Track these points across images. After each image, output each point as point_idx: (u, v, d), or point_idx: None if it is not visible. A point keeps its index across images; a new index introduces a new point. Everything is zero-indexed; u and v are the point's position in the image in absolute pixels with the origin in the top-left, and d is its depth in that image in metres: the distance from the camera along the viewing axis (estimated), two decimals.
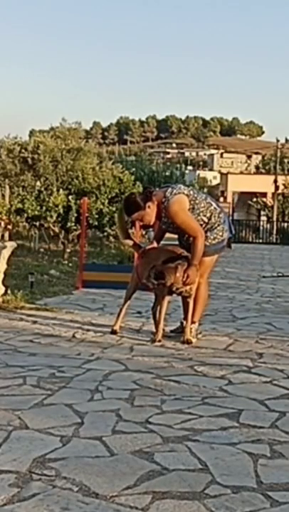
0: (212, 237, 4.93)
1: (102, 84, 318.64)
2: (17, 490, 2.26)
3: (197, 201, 4.87)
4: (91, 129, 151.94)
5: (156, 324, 4.96)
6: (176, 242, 5.18)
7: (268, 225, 29.92)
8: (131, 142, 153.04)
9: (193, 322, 4.97)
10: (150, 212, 4.84)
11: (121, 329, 5.22)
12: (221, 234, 4.98)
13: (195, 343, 4.91)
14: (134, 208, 4.87)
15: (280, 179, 37.17)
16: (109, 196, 14.61)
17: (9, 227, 12.86)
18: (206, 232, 4.88)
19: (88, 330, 5.29)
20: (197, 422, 3.06)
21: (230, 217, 20.45)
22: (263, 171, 57.97)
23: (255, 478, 2.43)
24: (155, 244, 5.17)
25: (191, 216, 4.83)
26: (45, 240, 15.23)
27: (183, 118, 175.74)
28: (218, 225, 4.96)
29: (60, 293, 7.49)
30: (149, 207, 4.81)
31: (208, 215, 4.91)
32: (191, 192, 4.91)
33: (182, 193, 4.81)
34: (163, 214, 4.86)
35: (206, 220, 4.90)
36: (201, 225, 4.86)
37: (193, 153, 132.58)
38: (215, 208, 4.97)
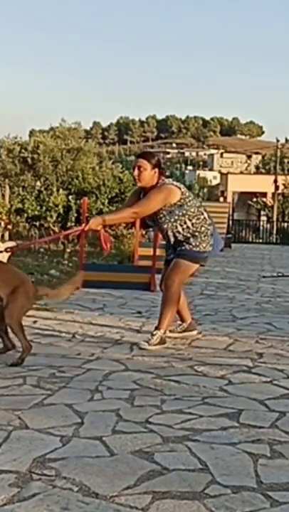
0: (194, 244, 4.79)
1: (102, 84, 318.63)
2: (17, 490, 2.26)
3: (189, 203, 4.78)
4: (91, 129, 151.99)
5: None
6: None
7: (268, 225, 29.92)
8: (131, 142, 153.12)
9: (157, 328, 4.75)
10: (152, 176, 4.76)
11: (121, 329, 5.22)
12: (204, 245, 4.81)
13: (195, 343, 4.92)
14: (155, 159, 4.84)
15: (280, 179, 37.19)
16: (109, 196, 14.62)
17: (9, 227, 12.87)
18: (189, 237, 4.79)
19: (88, 330, 5.29)
20: (197, 422, 3.06)
21: (230, 218, 20.42)
22: (263, 171, 57.99)
23: (255, 478, 2.43)
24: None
25: (160, 205, 4.68)
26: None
27: (183, 118, 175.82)
28: (204, 236, 4.82)
29: None
30: (155, 172, 4.77)
31: (193, 220, 4.77)
32: (187, 193, 4.84)
33: (178, 188, 4.79)
34: (143, 194, 4.84)
35: (189, 224, 4.76)
36: (182, 226, 4.76)
37: (193, 153, 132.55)
38: (205, 218, 4.85)
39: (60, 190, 13.97)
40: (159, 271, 8.14)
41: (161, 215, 4.78)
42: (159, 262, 8.48)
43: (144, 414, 3.14)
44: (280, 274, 10.37)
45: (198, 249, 4.80)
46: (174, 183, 4.88)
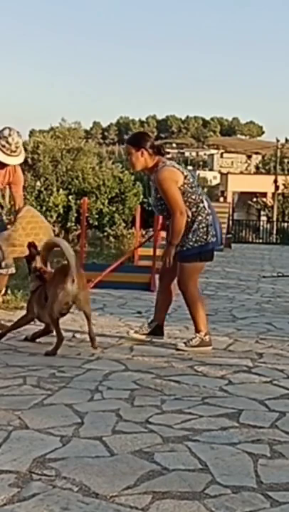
0: (193, 239, 4.55)
1: (102, 84, 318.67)
2: (17, 490, 2.26)
3: (191, 190, 4.53)
4: (91, 129, 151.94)
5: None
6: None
7: (268, 225, 29.96)
8: None
9: (196, 332, 4.69)
10: (139, 159, 4.55)
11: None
12: (205, 237, 4.56)
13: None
14: (137, 139, 4.63)
15: (280, 179, 37.23)
16: (109, 196, 14.63)
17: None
18: (186, 232, 4.53)
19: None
20: (197, 422, 3.06)
21: (230, 218, 20.43)
22: (263, 171, 57.92)
23: (255, 478, 2.43)
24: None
25: (176, 188, 4.46)
26: None
27: (183, 118, 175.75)
28: (204, 227, 4.55)
29: None
30: (142, 154, 4.55)
31: (193, 209, 4.52)
32: (191, 179, 4.59)
33: (180, 171, 4.54)
34: (151, 180, 4.65)
35: (188, 213, 4.52)
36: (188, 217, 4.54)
37: (193, 153, 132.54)
38: (204, 207, 4.58)
39: (60, 190, 13.98)
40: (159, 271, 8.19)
41: (162, 202, 4.56)
42: (159, 262, 8.51)
43: (144, 414, 3.14)
44: (280, 274, 10.37)
45: (199, 243, 4.57)
46: (176, 165, 4.61)
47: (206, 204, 4.64)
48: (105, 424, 2.99)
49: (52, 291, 4.44)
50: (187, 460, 2.59)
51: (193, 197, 4.58)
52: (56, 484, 2.31)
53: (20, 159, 4.93)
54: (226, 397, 3.51)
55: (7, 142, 4.72)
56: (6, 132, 4.77)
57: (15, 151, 4.81)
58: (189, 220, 4.55)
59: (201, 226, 4.58)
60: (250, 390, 3.67)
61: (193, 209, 4.57)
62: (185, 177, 4.56)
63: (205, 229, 4.58)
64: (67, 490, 2.27)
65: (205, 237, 4.59)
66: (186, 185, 4.55)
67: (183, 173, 4.57)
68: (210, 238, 4.61)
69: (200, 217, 4.58)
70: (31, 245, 4.80)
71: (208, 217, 4.60)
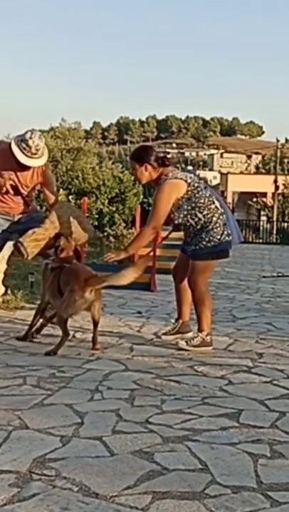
0: (207, 239, 4.59)
1: (102, 84, 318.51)
2: (17, 490, 2.26)
3: (198, 194, 4.57)
4: (91, 129, 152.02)
5: None
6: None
7: (268, 225, 29.94)
8: (131, 142, 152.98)
9: (199, 331, 4.71)
10: (144, 173, 4.64)
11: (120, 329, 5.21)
12: (218, 237, 4.59)
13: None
14: (140, 155, 4.68)
15: (280, 179, 37.20)
16: (109, 196, 14.64)
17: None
18: (200, 232, 4.59)
19: (88, 330, 5.28)
20: (197, 422, 3.06)
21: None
22: (263, 171, 57.92)
23: (255, 478, 2.43)
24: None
25: (168, 205, 4.53)
26: None
27: (183, 118, 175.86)
28: (218, 227, 4.59)
29: None
30: (146, 168, 4.62)
31: (204, 212, 4.57)
32: (196, 184, 4.62)
33: (183, 180, 4.58)
34: (155, 188, 4.71)
35: (200, 216, 4.57)
36: (193, 219, 4.59)
37: (193, 153, 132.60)
38: (216, 207, 4.61)
39: (60, 190, 13.97)
40: (159, 271, 8.19)
41: (170, 213, 4.60)
42: (159, 262, 8.50)
43: (144, 414, 3.14)
44: (280, 274, 10.37)
45: (212, 243, 4.59)
46: (178, 175, 4.62)
47: (217, 204, 4.66)
48: (105, 424, 2.99)
49: (69, 294, 4.40)
50: (187, 460, 2.59)
51: (202, 201, 4.60)
52: (56, 484, 2.31)
53: (42, 161, 5.02)
54: (226, 397, 3.51)
55: (27, 145, 4.83)
56: (28, 135, 4.89)
57: (35, 154, 4.90)
58: (202, 221, 4.59)
59: (215, 226, 4.60)
60: (250, 390, 3.67)
61: (205, 212, 4.59)
62: (189, 184, 4.58)
63: (219, 229, 4.61)
64: (67, 490, 2.27)
65: (219, 237, 4.61)
66: (190, 193, 4.58)
67: (186, 181, 4.59)
68: (224, 238, 4.62)
69: (214, 218, 4.60)
70: (58, 236, 4.83)
71: (221, 217, 4.63)
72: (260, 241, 26.28)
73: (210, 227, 4.60)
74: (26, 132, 4.98)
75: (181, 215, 4.61)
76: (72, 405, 3.24)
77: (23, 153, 4.87)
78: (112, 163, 18.75)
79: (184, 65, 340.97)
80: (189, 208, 4.58)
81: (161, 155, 4.78)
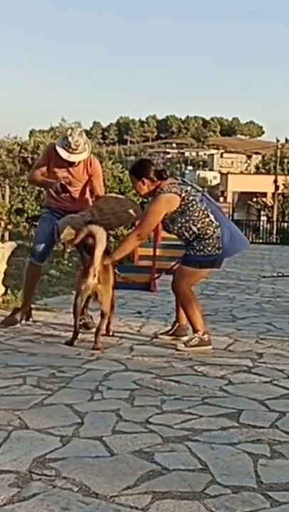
0: (197, 248, 4.62)
1: (102, 84, 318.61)
2: (17, 490, 2.26)
3: (192, 208, 4.61)
4: (91, 129, 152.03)
5: None
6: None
7: (268, 225, 29.96)
8: (131, 142, 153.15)
9: (194, 332, 4.73)
10: (142, 187, 4.76)
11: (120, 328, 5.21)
12: (209, 249, 4.61)
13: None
14: (137, 170, 4.81)
15: (280, 179, 37.19)
16: None
17: (9, 227, 12.88)
18: (192, 240, 4.65)
19: (88, 330, 5.29)
20: (197, 422, 3.06)
21: (230, 218, 20.41)
22: (263, 171, 57.84)
23: (255, 478, 2.43)
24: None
25: (158, 217, 4.65)
26: None
27: (183, 118, 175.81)
28: (210, 240, 4.60)
29: (60, 293, 7.48)
30: (143, 182, 4.72)
31: (198, 225, 4.60)
32: (191, 197, 4.64)
33: (177, 194, 4.61)
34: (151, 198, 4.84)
35: (195, 229, 4.62)
36: (188, 232, 4.64)
37: (193, 153, 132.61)
38: (211, 220, 4.61)
39: None
40: (159, 271, 8.18)
41: (165, 225, 4.74)
42: (159, 262, 8.50)
43: (144, 414, 3.14)
44: (280, 274, 10.37)
45: (202, 253, 4.63)
46: (173, 189, 4.64)
47: (212, 217, 4.64)
48: (105, 424, 2.99)
49: (76, 283, 4.59)
50: (187, 460, 2.59)
51: (196, 214, 4.62)
52: (56, 484, 2.31)
53: (83, 156, 5.23)
54: (226, 397, 3.51)
55: (68, 142, 5.10)
56: (68, 133, 5.18)
57: (76, 149, 5.13)
58: (196, 234, 4.63)
59: (208, 238, 4.62)
60: (250, 390, 3.67)
61: (199, 225, 4.61)
62: (183, 198, 4.61)
63: (211, 241, 4.62)
64: (67, 490, 2.27)
65: (209, 248, 4.62)
66: (184, 206, 4.61)
67: (180, 195, 4.62)
68: (214, 251, 4.63)
69: (209, 231, 4.62)
70: (88, 236, 4.85)
71: (216, 230, 4.63)
72: (260, 241, 26.29)
73: (201, 239, 4.64)
74: (67, 129, 5.32)
75: (176, 228, 4.68)
76: (72, 405, 3.24)
77: (65, 149, 5.13)
78: (112, 163, 18.76)
79: (184, 65, 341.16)
80: (183, 220, 4.63)
81: (160, 168, 4.86)
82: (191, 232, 4.64)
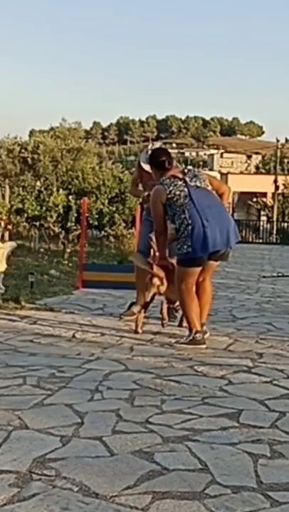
0: (178, 246, 4.72)
1: (102, 84, 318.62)
2: (17, 490, 2.26)
3: (176, 203, 4.68)
4: (91, 129, 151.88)
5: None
6: None
7: (268, 225, 29.95)
8: (131, 142, 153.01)
9: (189, 329, 4.78)
10: (154, 175, 5.08)
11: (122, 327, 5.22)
12: (179, 246, 4.69)
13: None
14: (150, 159, 5.18)
15: (280, 179, 37.18)
16: (109, 196, 14.62)
17: (9, 227, 12.89)
18: (178, 237, 4.72)
19: (88, 330, 5.29)
20: (197, 422, 3.06)
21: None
22: (263, 171, 57.82)
23: (255, 478, 2.43)
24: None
25: (158, 209, 4.84)
26: (45, 240, 15.23)
27: (183, 118, 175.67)
28: (182, 238, 4.65)
29: (60, 293, 7.48)
30: (153, 170, 5.09)
31: (177, 221, 4.69)
32: (177, 192, 4.67)
33: (163, 187, 4.75)
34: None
35: (176, 225, 4.71)
36: (174, 225, 4.75)
37: (193, 153, 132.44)
38: (185, 218, 4.63)
39: (60, 190, 13.97)
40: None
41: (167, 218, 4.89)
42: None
43: (144, 414, 3.14)
44: (280, 274, 10.37)
45: (180, 251, 4.72)
46: (165, 181, 4.76)
47: (187, 215, 4.63)
48: (105, 424, 2.99)
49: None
50: (187, 460, 2.59)
51: (177, 209, 4.70)
52: (56, 484, 2.31)
53: None
54: (226, 397, 3.51)
55: (148, 156, 5.46)
56: (149, 146, 5.77)
57: None
58: (177, 229, 4.73)
59: (181, 236, 4.67)
60: (250, 390, 3.67)
61: (179, 221, 4.69)
62: (169, 192, 4.73)
63: (182, 239, 4.68)
64: (67, 490, 2.27)
65: (179, 246, 4.71)
66: (170, 200, 4.73)
67: (166, 188, 4.75)
68: (185, 249, 4.66)
69: (182, 229, 4.67)
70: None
71: (187, 228, 4.63)
72: (260, 241, 26.30)
73: (181, 236, 4.68)
74: (148, 144, 6.00)
75: (168, 220, 4.85)
76: (72, 405, 3.24)
77: (147, 163, 5.46)
78: (112, 163, 18.75)
79: (184, 65, 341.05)
80: (171, 214, 4.76)
81: (162, 158, 4.91)
82: (175, 226, 4.75)
